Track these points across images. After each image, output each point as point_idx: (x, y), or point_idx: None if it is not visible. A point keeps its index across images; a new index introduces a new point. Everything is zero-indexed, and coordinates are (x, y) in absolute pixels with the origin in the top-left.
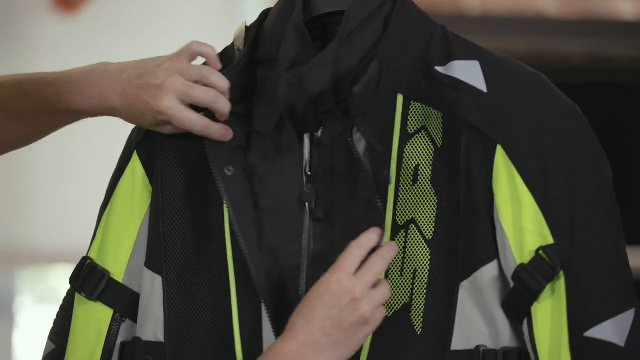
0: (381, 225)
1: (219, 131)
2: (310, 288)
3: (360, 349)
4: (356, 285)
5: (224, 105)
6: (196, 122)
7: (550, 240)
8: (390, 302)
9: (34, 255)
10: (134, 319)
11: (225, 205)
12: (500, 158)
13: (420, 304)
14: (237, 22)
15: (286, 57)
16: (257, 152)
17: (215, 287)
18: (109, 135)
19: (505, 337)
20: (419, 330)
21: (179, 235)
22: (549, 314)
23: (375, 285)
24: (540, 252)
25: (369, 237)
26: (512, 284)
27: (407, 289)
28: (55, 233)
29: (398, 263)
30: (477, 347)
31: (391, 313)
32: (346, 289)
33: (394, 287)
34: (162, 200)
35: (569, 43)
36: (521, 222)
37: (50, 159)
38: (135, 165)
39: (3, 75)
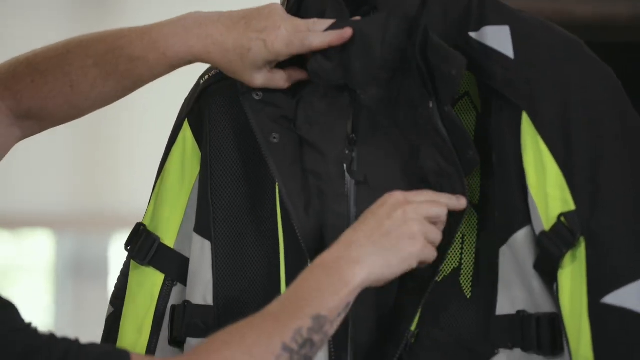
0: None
1: (339, 33)
2: None
3: (411, 315)
4: (410, 201)
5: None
6: (322, 37)
7: (572, 206)
8: (441, 267)
9: (129, 219)
10: (185, 283)
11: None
12: (526, 124)
13: (470, 269)
14: None
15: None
16: (304, 119)
17: (264, 251)
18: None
19: (540, 302)
20: (468, 294)
21: (227, 201)
22: (570, 279)
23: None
24: (562, 218)
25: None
26: None
27: (456, 254)
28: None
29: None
30: (518, 312)
31: (441, 278)
32: (399, 201)
33: None
34: (210, 167)
35: None
36: (546, 188)
37: (148, 119)
38: (186, 133)
39: (92, 32)
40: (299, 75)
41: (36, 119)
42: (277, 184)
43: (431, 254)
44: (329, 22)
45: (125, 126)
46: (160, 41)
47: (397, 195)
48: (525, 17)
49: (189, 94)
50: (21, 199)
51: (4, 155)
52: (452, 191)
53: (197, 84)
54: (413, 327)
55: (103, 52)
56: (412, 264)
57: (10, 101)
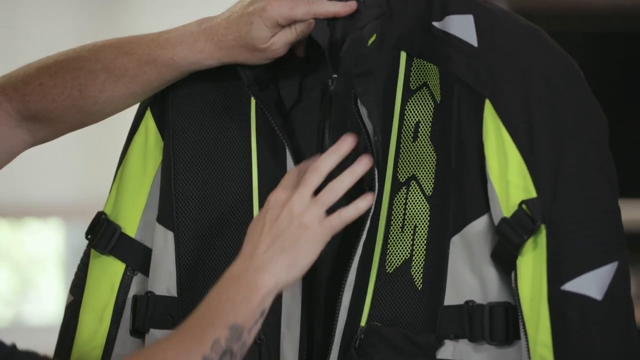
0: (371, 186)
1: (337, 6)
2: None
3: (363, 307)
4: (291, 197)
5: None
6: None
7: (533, 194)
8: (390, 259)
9: None
10: (146, 273)
11: (254, 160)
12: (489, 112)
13: (421, 260)
14: None
15: None
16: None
17: (233, 241)
18: None
19: (493, 292)
20: (419, 285)
21: (190, 190)
22: (530, 267)
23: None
24: (523, 205)
25: (308, 161)
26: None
27: (407, 246)
28: None
29: (399, 219)
30: (467, 302)
31: (392, 269)
32: (282, 202)
33: (395, 243)
34: (173, 156)
35: None
36: (507, 175)
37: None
38: (148, 122)
39: (103, 39)
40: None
41: (44, 122)
42: (255, 173)
43: (337, 223)
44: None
45: (131, 118)
46: (168, 47)
47: (277, 195)
48: (489, 6)
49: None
50: (31, 190)
51: (12, 158)
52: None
53: None
54: (363, 322)
55: (112, 57)
56: (319, 249)
57: (17, 102)
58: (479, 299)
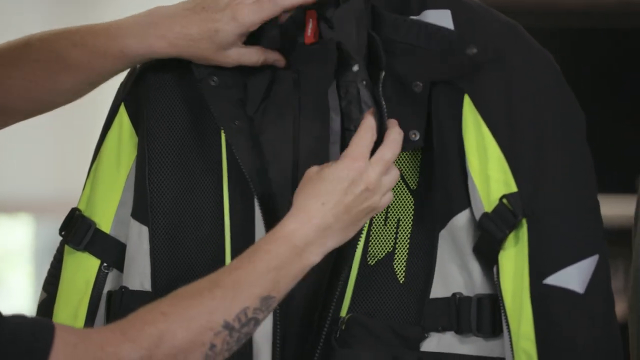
0: None
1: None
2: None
3: (343, 298)
4: (372, 175)
5: None
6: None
7: (514, 188)
8: (373, 252)
9: None
10: (121, 268)
11: (224, 157)
12: (468, 107)
13: (404, 254)
14: None
15: None
16: (254, 103)
17: (207, 236)
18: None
19: (479, 285)
20: (401, 279)
21: (165, 185)
22: (512, 261)
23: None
24: (504, 200)
25: (370, 120)
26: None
27: (390, 239)
28: None
29: (382, 213)
30: (454, 294)
31: (374, 262)
32: (363, 178)
33: (378, 236)
34: (148, 151)
35: None
36: (487, 171)
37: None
38: (123, 117)
39: (52, 29)
40: (269, 54)
41: None
42: (224, 168)
43: (387, 201)
44: None
45: (105, 113)
46: (119, 39)
47: (358, 166)
48: (467, 2)
49: (125, 78)
50: (2, 185)
51: None
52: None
53: (134, 68)
54: (343, 313)
55: (64, 47)
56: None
57: None
58: (466, 292)
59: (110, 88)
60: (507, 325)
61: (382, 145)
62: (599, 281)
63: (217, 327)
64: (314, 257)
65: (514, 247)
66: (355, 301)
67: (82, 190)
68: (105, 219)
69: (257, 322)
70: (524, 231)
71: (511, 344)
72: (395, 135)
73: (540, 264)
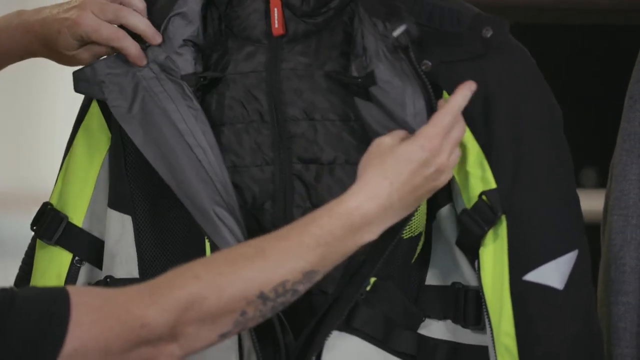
0: None
1: (135, 49)
2: (396, 145)
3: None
4: (443, 157)
5: (138, 21)
6: (113, 32)
7: (492, 185)
8: (411, 227)
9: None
10: (94, 262)
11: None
12: None
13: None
14: None
15: None
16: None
17: (186, 216)
18: None
19: (468, 277)
20: (414, 259)
21: (145, 174)
22: (492, 257)
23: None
24: (483, 196)
25: (458, 99)
26: None
27: (422, 218)
28: None
29: None
30: (453, 283)
31: (408, 236)
32: (436, 160)
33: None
34: (123, 140)
35: None
36: (466, 167)
37: (70, 97)
38: (94, 110)
39: None
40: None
41: None
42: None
43: (447, 177)
44: None
45: (47, 105)
46: None
47: (432, 147)
48: None
49: None
50: None
51: None
52: None
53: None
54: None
55: None
56: None
57: None
58: (461, 282)
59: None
60: (489, 319)
61: (453, 126)
62: (578, 276)
63: (251, 296)
64: (371, 235)
65: (493, 243)
66: (380, 268)
67: (54, 184)
68: (77, 213)
69: (295, 292)
70: (503, 227)
71: (493, 340)
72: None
73: (520, 261)
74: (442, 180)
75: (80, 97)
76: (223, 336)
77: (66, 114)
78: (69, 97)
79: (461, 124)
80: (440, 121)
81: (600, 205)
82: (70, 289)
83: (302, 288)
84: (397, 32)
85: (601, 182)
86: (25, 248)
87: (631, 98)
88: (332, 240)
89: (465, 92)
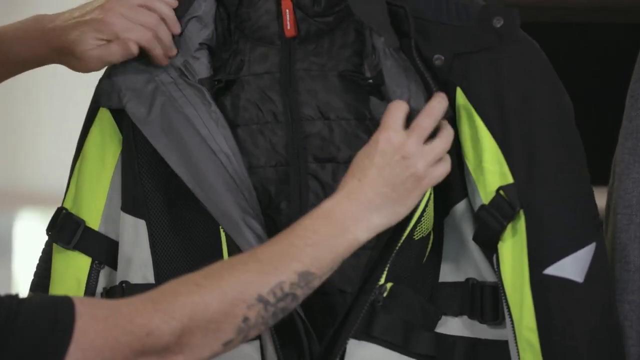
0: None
1: (160, 50)
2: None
3: (384, 268)
4: (405, 142)
5: (165, 31)
6: (142, 33)
7: (510, 180)
8: (421, 228)
9: (34, 196)
10: (112, 265)
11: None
12: (461, 100)
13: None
14: None
15: None
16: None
17: (205, 221)
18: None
19: (484, 272)
20: (424, 259)
21: (159, 177)
22: (511, 252)
23: (427, 142)
24: (501, 191)
25: (434, 104)
26: None
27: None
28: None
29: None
30: (467, 279)
31: (419, 236)
32: (395, 146)
33: (426, 216)
34: (135, 143)
35: None
36: (482, 162)
37: (51, 100)
38: (105, 115)
39: None
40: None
41: None
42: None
43: (441, 172)
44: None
45: (31, 103)
46: (4, 44)
47: (388, 136)
48: None
49: (105, 73)
50: None
51: None
52: None
53: (110, 66)
54: (382, 281)
55: None
56: (422, 196)
57: None
58: (477, 277)
59: (36, 85)
60: (510, 314)
61: (421, 112)
62: (597, 269)
63: (250, 300)
64: (361, 233)
65: (512, 238)
66: (391, 271)
67: (66, 189)
68: (93, 217)
69: (295, 297)
70: (521, 222)
71: (514, 334)
72: (434, 102)
73: (539, 255)
74: (421, 169)
75: (70, 98)
76: (226, 345)
77: (47, 115)
78: (55, 95)
79: (445, 134)
80: (391, 112)
81: (601, 204)
82: (76, 298)
83: (300, 292)
84: (380, 41)
85: (601, 181)
86: (10, 246)
87: (632, 97)
88: (319, 240)
89: (439, 99)
